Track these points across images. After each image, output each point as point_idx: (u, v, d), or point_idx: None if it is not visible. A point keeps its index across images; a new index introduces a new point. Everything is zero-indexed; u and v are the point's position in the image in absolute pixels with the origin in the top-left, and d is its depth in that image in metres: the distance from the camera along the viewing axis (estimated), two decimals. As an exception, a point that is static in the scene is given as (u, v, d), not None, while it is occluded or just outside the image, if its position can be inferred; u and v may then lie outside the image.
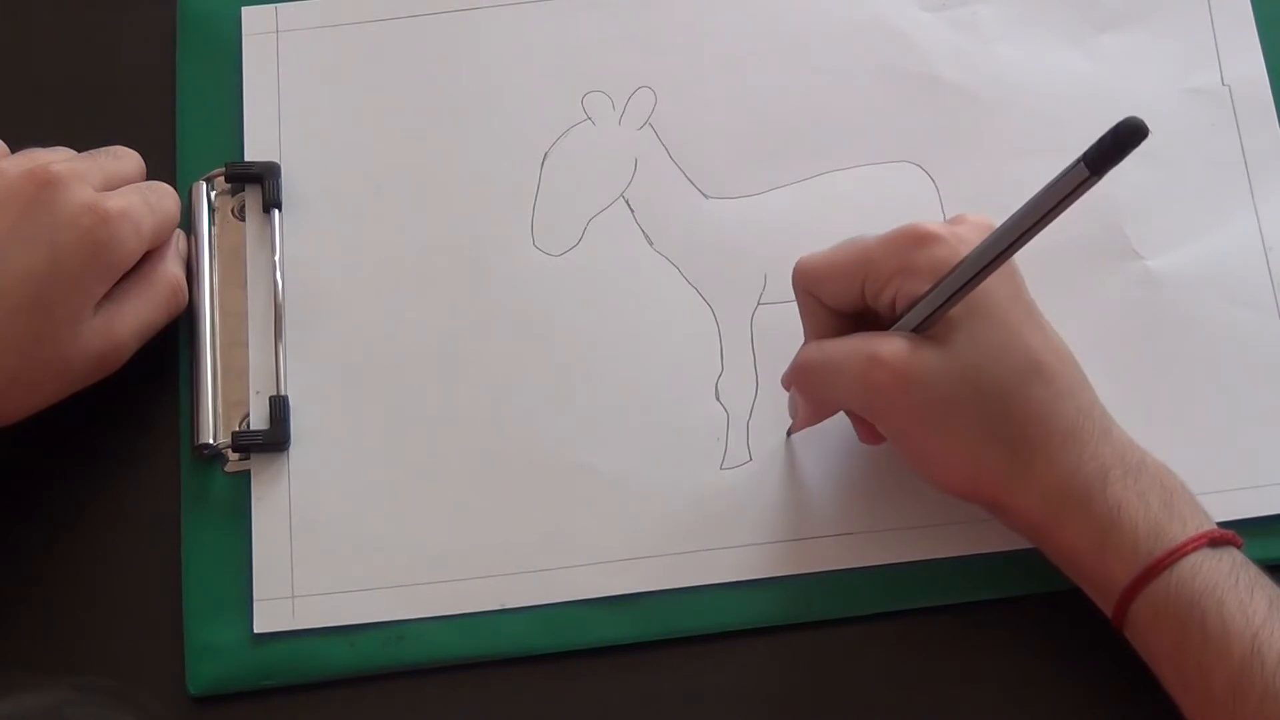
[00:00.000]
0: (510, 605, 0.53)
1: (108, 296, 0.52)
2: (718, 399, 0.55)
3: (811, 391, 0.51)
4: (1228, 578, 0.45)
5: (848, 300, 0.49)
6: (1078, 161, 0.39)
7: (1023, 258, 0.56)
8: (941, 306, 0.47)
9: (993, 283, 0.47)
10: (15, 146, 0.54)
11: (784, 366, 0.55)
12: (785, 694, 0.52)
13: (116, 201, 0.52)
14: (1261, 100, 0.59)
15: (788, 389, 0.53)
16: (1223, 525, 0.47)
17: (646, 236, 0.58)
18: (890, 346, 0.47)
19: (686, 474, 0.55)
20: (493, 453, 0.55)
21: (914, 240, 0.48)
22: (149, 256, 0.54)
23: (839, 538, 0.53)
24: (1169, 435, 0.54)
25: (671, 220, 0.58)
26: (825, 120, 0.59)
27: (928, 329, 0.48)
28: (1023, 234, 0.44)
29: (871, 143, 0.58)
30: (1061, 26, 0.60)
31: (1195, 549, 0.46)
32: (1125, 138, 0.38)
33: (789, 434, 0.55)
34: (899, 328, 0.48)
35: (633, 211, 0.58)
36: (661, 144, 0.59)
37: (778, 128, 0.59)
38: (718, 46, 0.60)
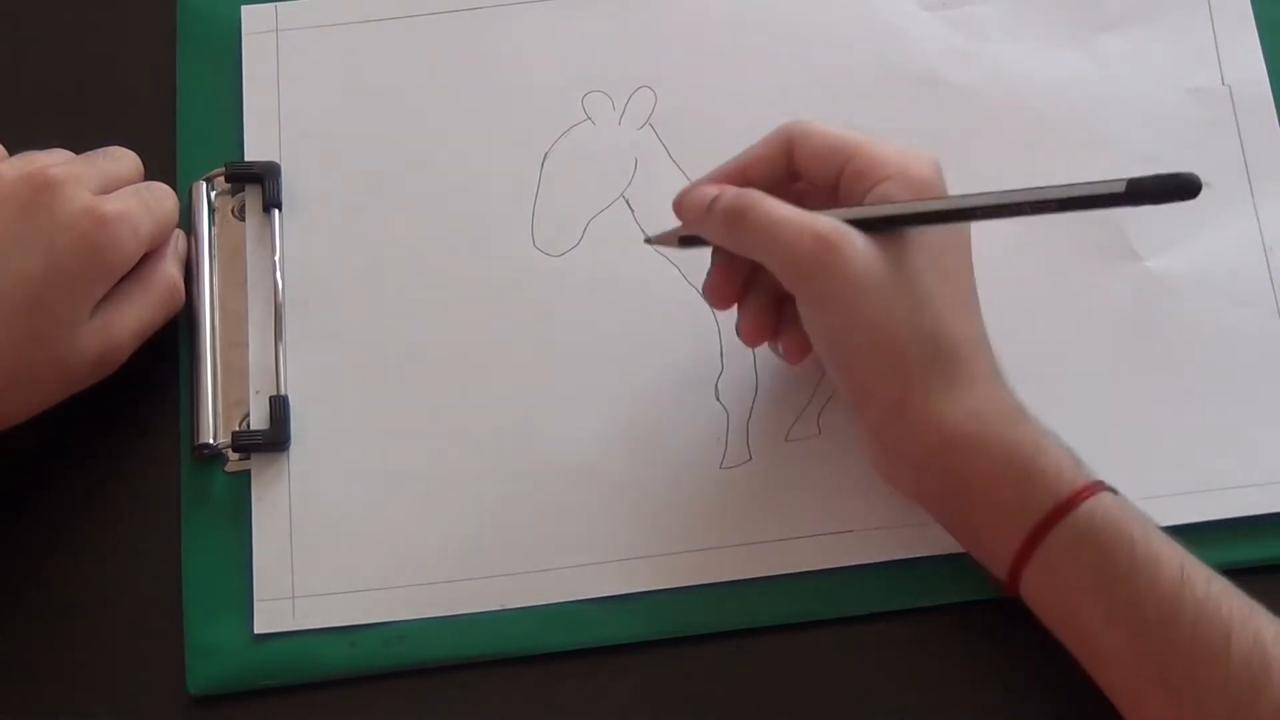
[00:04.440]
0: (510, 605, 0.53)
1: (105, 299, 0.52)
2: (718, 399, 0.55)
3: (735, 238, 0.50)
4: (1144, 515, 0.46)
5: (816, 172, 0.50)
6: (1122, 180, 0.40)
7: (1023, 255, 0.57)
8: (903, 218, 0.48)
9: (951, 245, 0.48)
10: (14, 147, 0.54)
11: (784, 365, 0.55)
12: (786, 693, 0.52)
13: (114, 204, 0.52)
14: (1261, 100, 0.59)
15: (687, 209, 0.52)
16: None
17: (647, 236, 0.58)
18: (839, 227, 0.48)
19: (686, 474, 0.55)
20: (493, 452, 0.55)
21: (929, 164, 0.49)
22: (147, 258, 0.54)
23: (839, 536, 0.53)
24: (1169, 435, 0.54)
25: (672, 220, 0.57)
26: (825, 119, 0.59)
27: (871, 230, 0.48)
28: (1028, 204, 0.45)
29: (871, 142, 0.58)
30: (1061, 26, 0.60)
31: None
32: (1174, 188, 0.39)
33: (647, 240, 0.55)
34: (844, 214, 0.48)
35: (633, 211, 0.58)
36: (661, 144, 0.59)
37: (778, 127, 0.59)
38: (718, 46, 0.60)
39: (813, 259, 0.47)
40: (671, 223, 0.53)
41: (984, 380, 0.48)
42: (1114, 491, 0.47)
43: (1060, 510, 0.46)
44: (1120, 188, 0.39)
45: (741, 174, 0.51)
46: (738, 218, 0.50)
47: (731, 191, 0.50)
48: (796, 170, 0.51)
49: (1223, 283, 0.56)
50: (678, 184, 0.58)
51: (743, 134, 0.58)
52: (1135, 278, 0.56)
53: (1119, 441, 0.54)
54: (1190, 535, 0.52)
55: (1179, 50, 0.59)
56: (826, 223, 0.48)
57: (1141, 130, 0.58)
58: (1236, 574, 0.53)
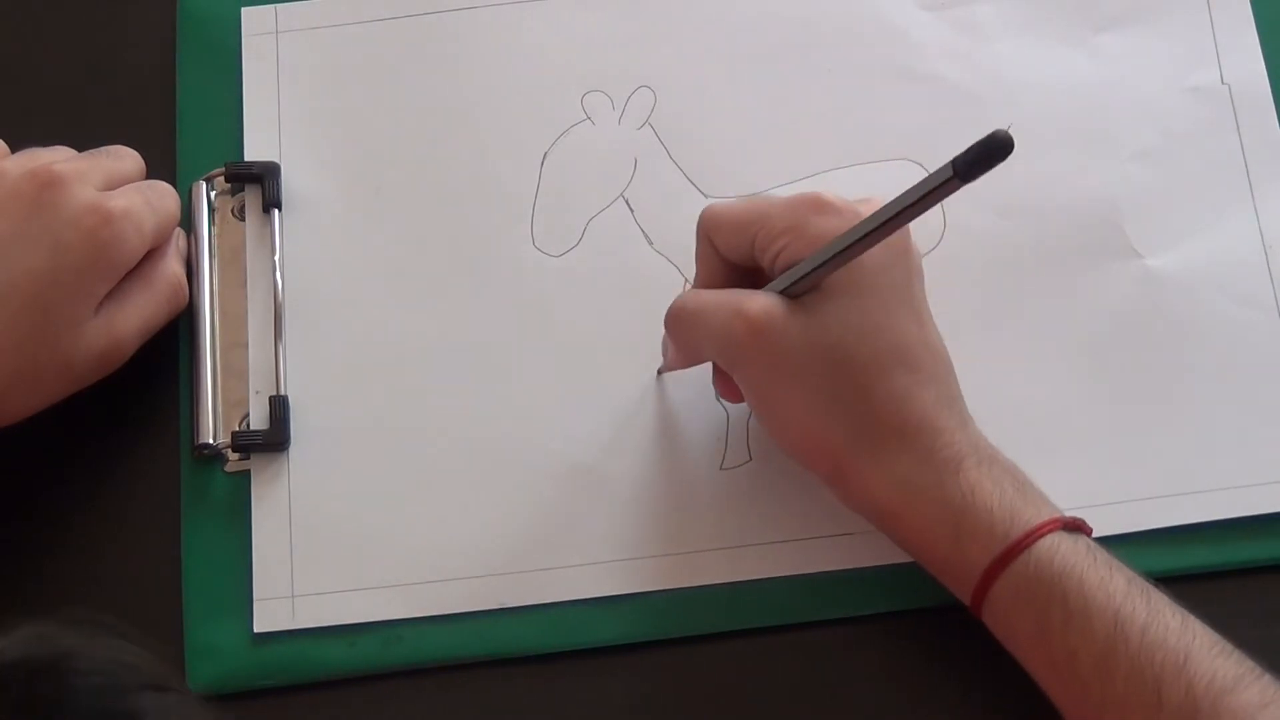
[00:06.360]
0: (510, 605, 0.53)
1: (109, 296, 0.52)
2: (718, 399, 0.55)
3: (679, 337, 0.52)
4: (1085, 557, 0.46)
5: (739, 252, 0.50)
6: (948, 165, 0.40)
7: (1024, 254, 0.56)
8: (806, 276, 0.47)
9: (881, 267, 0.47)
10: (15, 146, 0.54)
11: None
12: (787, 694, 0.52)
13: (118, 201, 0.52)
14: (1261, 100, 0.58)
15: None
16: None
17: (646, 236, 0.58)
18: (756, 303, 0.48)
19: (686, 474, 0.55)
20: (492, 452, 0.55)
21: (811, 206, 0.48)
22: (149, 255, 0.54)
23: (839, 538, 0.53)
24: (1170, 434, 0.54)
25: (671, 220, 0.58)
26: (825, 119, 0.59)
27: (798, 294, 0.48)
28: (884, 224, 0.45)
29: (871, 142, 0.58)
30: (1061, 26, 0.60)
31: (1051, 530, 0.46)
32: (994, 149, 0.39)
33: (659, 373, 0.56)
34: (771, 288, 0.49)
35: (633, 211, 0.58)
36: (661, 144, 0.59)
37: (777, 127, 0.59)
38: (717, 46, 0.60)
39: (743, 345, 0.48)
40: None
41: (914, 437, 0.48)
42: (1060, 524, 0.46)
43: (996, 567, 0.46)
44: (949, 171, 0.40)
45: (703, 284, 0.52)
46: (673, 319, 0.51)
47: (674, 301, 0.51)
48: (727, 260, 0.51)
49: (1223, 281, 0.56)
50: (677, 184, 0.58)
51: (741, 134, 0.59)
52: (1135, 276, 0.56)
53: (1119, 441, 0.54)
54: (1190, 535, 0.53)
55: (1178, 50, 0.59)
56: (755, 304, 0.48)
57: (1141, 130, 0.58)
58: (1236, 574, 0.53)
